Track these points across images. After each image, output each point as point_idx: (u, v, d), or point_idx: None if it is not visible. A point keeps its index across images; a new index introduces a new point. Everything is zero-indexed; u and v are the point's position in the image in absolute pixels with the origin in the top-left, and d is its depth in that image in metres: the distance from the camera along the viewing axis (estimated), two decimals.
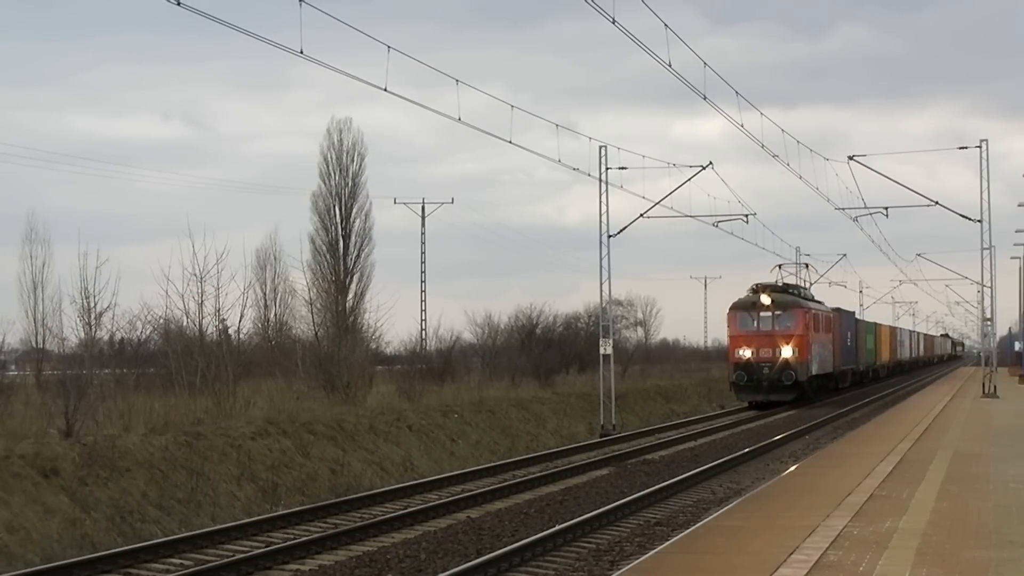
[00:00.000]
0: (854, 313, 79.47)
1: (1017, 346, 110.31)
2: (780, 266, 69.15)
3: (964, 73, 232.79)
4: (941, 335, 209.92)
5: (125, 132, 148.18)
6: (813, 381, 60.78)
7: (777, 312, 57.64)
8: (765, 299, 57.94)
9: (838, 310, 71.26)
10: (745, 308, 58.39)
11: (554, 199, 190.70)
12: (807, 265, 74.71)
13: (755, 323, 57.70)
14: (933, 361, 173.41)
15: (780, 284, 63.66)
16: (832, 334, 66.48)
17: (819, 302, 67.34)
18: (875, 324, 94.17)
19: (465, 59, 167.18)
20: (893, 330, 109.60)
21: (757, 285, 59.96)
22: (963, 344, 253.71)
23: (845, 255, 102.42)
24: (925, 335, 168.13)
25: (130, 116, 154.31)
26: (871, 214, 60.37)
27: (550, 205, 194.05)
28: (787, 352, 57.18)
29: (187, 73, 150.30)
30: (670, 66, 30.46)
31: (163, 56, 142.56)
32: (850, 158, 53.47)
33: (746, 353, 57.00)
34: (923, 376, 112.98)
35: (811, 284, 72.65)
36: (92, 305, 47.29)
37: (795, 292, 62.52)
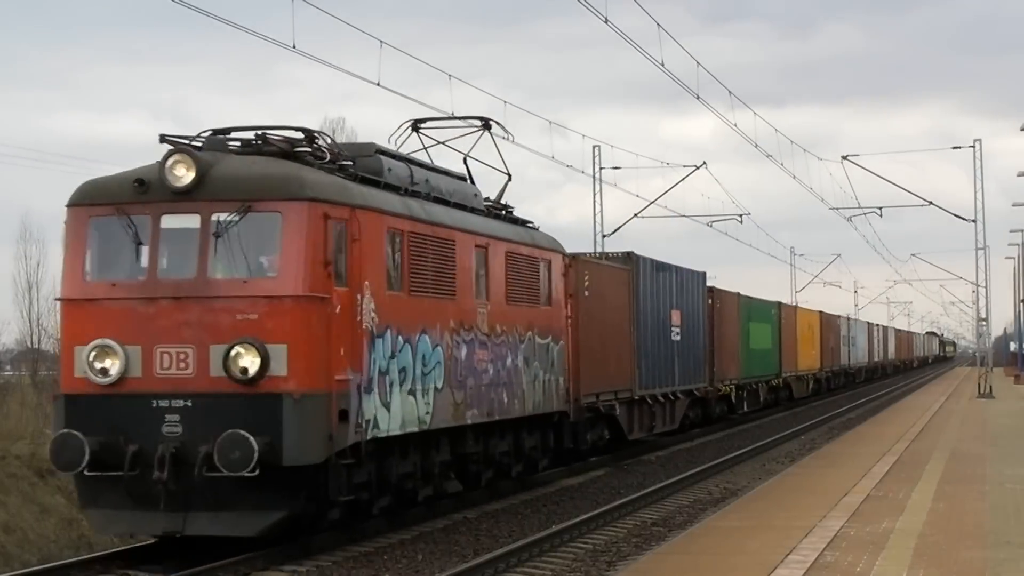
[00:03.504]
0: (704, 275, 40.48)
1: (1012, 346, 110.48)
2: (424, 126, 23.66)
3: (953, 73, 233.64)
4: (926, 333, 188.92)
5: (115, 131, 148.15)
6: (394, 460, 18.94)
7: (223, 217, 16.88)
8: (182, 172, 16.89)
9: (629, 256, 33.17)
10: (115, 201, 17.27)
11: (545, 199, 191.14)
12: (488, 126, 24.06)
13: (142, 255, 17.19)
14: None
15: (263, 135, 18.11)
16: (577, 306, 27.35)
17: (520, 222, 24.64)
18: (778, 305, 55.92)
19: (455, 57, 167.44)
20: (829, 320, 71.76)
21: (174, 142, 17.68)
22: (954, 344, 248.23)
23: (839, 255, 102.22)
24: (898, 331, 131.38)
25: (120, 115, 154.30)
26: (865, 214, 60.59)
27: (541, 206, 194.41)
28: (247, 362, 16.44)
29: (176, 71, 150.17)
30: (663, 65, 30.43)
31: (152, 54, 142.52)
32: (843, 158, 53.62)
33: (104, 368, 16.76)
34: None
35: (502, 156, 24.75)
36: None
37: (305, 153, 18.09)
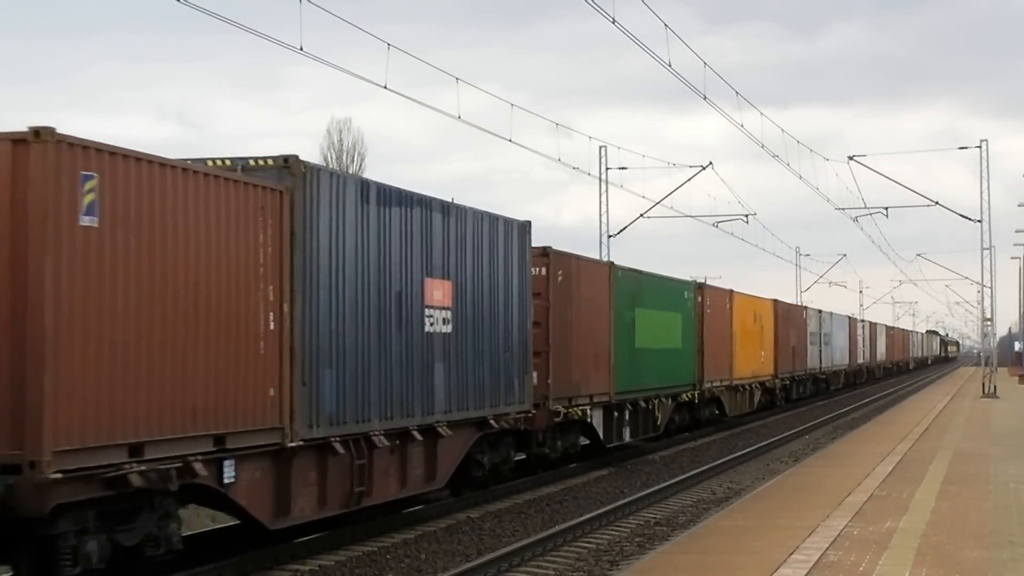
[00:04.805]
0: (523, 227, 24.23)
1: (1017, 346, 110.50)
2: None
3: (959, 73, 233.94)
4: (927, 331, 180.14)
5: (120, 132, 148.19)
6: None
7: None
8: None
9: (287, 165, 16.62)
10: None
11: (550, 200, 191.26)
12: None
13: None
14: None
15: None
16: (39, 253, 12.76)
17: None
18: (696, 287, 39.58)
19: (460, 59, 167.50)
20: (788, 311, 55.98)
21: None
22: (957, 344, 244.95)
23: (845, 255, 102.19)
24: (890, 328, 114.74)
25: (124, 116, 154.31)
26: (871, 214, 60.54)
27: (546, 206, 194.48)
28: None
29: (182, 72, 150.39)
30: (670, 66, 30.46)
31: (157, 55, 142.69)
32: (850, 158, 53.61)
33: None
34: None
35: None
36: None
37: None
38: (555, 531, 19.24)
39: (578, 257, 28.50)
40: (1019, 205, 69.16)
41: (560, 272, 26.91)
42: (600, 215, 54.39)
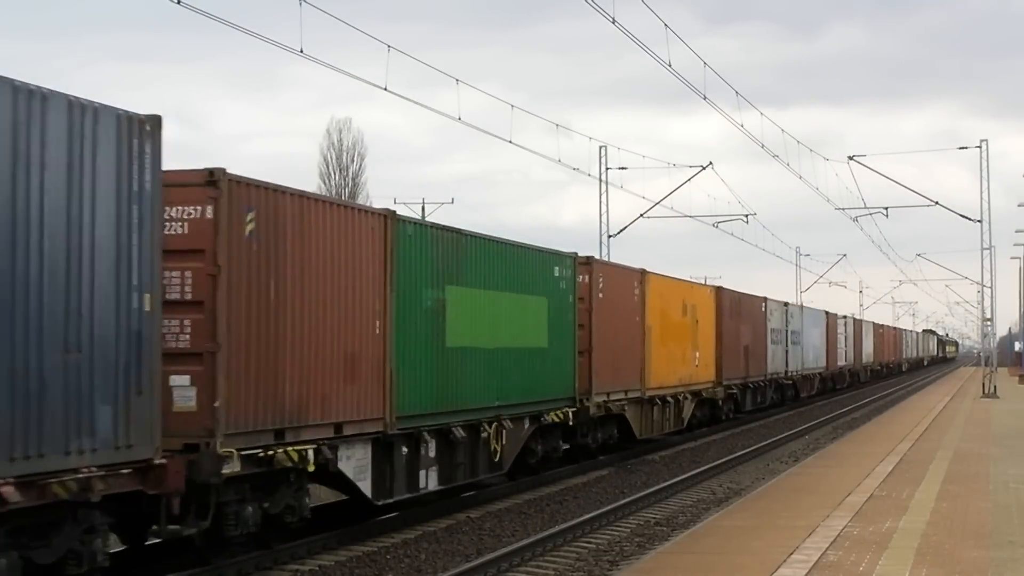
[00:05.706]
0: (120, 118, 12.62)
1: (1017, 346, 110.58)
2: None
3: (959, 73, 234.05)
4: (923, 331, 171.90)
5: None
6: None
7: None
8: None
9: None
10: None
11: (549, 200, 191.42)
12: None
13: None
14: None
15: None
16: None
17: None
18: (578, 262, 27.23)
19: (459, 59, 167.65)
20: (738, 302, 44.64)
21: None
22: (956, 344, 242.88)
23: (845, 255, 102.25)
24: (878, 326, 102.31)
25: None
26: (871, 214, 60.59)
27: (545, 206, 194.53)
28: None
29: (181, 72, 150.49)
30: (670, 66, 30.50)
31: (156, 55, 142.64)
32: (850, 158, 53.64)
33: None
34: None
35: None
36: None
37: None
38: (555, 531, 19.24)
39: (302, 194, 17.12)
40: (1019, 205, 69.22)
41: (251, 217, 15.68)
42: (600, 215, 54.44)
